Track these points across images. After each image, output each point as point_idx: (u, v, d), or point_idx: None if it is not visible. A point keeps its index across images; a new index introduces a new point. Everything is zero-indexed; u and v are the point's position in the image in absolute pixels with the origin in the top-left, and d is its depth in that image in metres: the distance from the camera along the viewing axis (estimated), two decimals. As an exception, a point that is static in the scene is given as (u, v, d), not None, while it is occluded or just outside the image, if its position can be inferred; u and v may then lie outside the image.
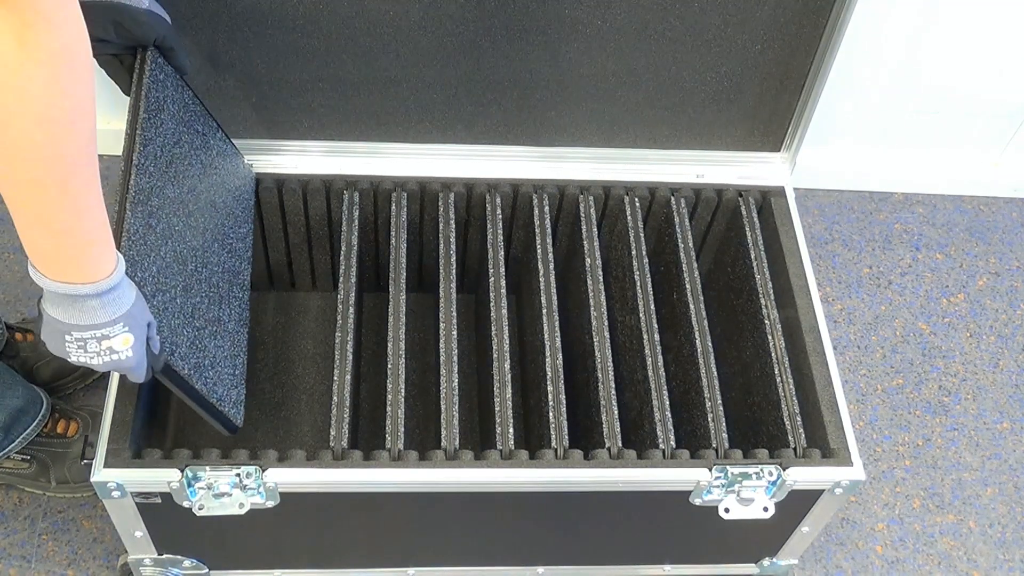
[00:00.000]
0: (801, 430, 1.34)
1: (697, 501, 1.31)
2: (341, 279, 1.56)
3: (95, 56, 1.04)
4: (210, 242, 1.28)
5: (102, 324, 0.96)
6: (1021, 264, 2.01)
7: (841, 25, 1.36)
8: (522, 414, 1.59)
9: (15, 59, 0.71)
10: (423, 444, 1.42)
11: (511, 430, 1.31)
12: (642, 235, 1.51)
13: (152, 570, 1.41)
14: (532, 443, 1.45)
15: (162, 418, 1.43)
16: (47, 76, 0.73)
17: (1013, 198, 2.10)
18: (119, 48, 1.16)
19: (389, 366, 1.35)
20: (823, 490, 1.32)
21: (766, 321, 1.44)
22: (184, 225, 1.22)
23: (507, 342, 1.39)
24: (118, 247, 1.02)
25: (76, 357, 0.99)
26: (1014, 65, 1.84)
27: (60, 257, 0.89)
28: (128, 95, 1.16)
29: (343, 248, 1.46)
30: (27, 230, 0.87)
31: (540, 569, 1.50)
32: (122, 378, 1.27)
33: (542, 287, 1.44)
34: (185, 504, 1.24)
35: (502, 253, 1.47)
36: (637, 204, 1.53)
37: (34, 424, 1.50)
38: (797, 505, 1.35)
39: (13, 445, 1.48)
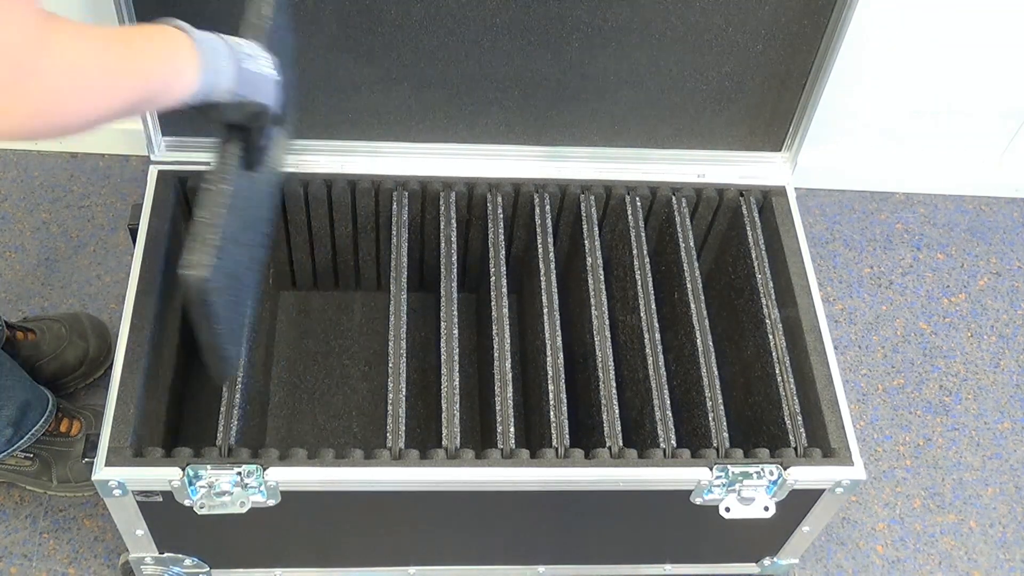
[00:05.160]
0: (802, 429, 1.34)
1: (698, 500, 1.31)
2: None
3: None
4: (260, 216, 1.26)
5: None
6: (1022, 264, 2.01)
7: (842, 25, 1.37)
8: (523, 413, 1.59)
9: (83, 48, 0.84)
10: (424, 443, 1.42)
11: (512, 429, 1.32)
12: (643, 234, 1.51)
13: (153, 568, 1.41)
14: (533, 442, 1.45)
15: (163, 417, 1.43)
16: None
17: (1014, 198, 2.10)
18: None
19: (390, 365, 1.35)
20: (824, 489, 1.32)
21: (767, 320, 1.44)
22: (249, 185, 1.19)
23: (508, 341, 1.39)
24: None
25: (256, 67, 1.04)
26: (1015, 65, 1.84)
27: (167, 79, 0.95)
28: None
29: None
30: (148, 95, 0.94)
31: (541, 568, 1.50)
32: (123, 378, 1.28)
33: (543, 286, 1.44)
34: (186, 503, 1.24)
35: (503, 252, 1.47)
36: (638, 203, 1.53)
37: (42, 420, 1.50)
38: (798, 504, 1.35)
39: (23, 441, 1.48)
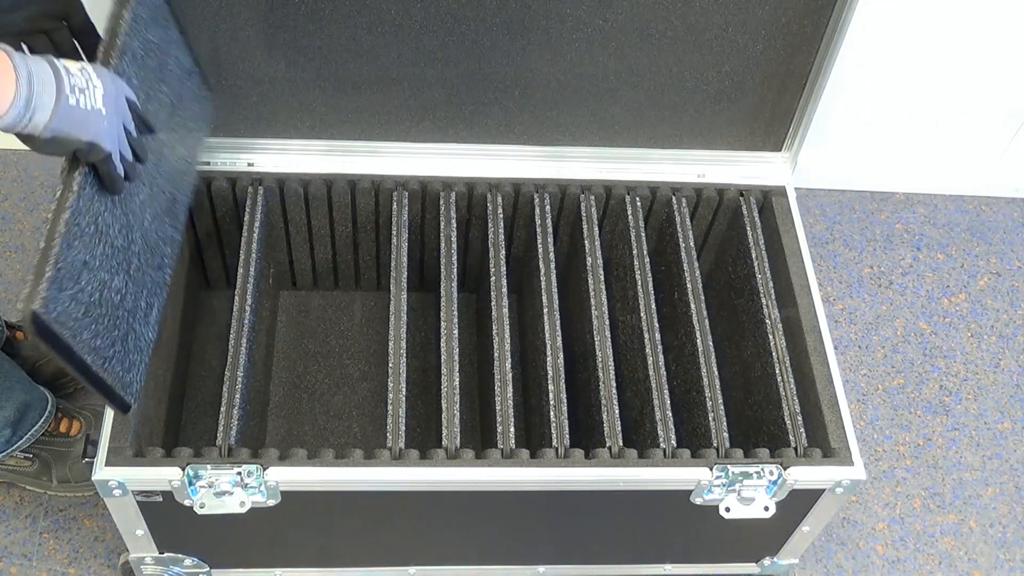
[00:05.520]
0: (802, 429, 1.34)
1: (698, 500, 1.31)
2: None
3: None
4: (157, 197, 1.19)
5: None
6: (1022, 264, 2.01)
7: (842, 25, 1.37)
8: (523, 413, 1.59)
9: None
10: (424, 443, 1.42)
11: (512, 429, 1.32)
12: (643, 234, 1.51)
13: (153, 568, 1.41)
14: (533, 442, 1.45)
15: (164, 417, 1.43)
16: None
17: (1014, 198, 2.10)
18: (28, 21, 1.07)
19: (390, 365, 1.35)
20: (824, 489, 1.32)
21: (767, 320, 1.44)
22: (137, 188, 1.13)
23: (508, 341, 1.39)
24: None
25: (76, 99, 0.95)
26: (1015, 65, 1.84)
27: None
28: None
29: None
30: None
31: (541, 568, 1.50)
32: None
33: (543, 286, 1.44)
34: (186, 502, 1.24)
35: (503, 252, 1.47)
36: (638, 203, 1.53)
37: (41, 421, 1.50)
38: (798, 504, 1.35)
39: (21, 442, 1.48)
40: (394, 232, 1.48)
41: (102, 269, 1.04)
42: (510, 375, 1.37)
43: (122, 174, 1.03)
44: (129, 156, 1.04)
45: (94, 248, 1.02)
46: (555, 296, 1.43)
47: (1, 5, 1.02)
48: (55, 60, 0.93)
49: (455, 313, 1.41)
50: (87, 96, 0.95)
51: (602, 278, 1.46)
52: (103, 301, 1.04)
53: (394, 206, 1.50)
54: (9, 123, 0.89)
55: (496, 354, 1.38)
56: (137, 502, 1.26)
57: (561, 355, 1.39)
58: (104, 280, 1.04)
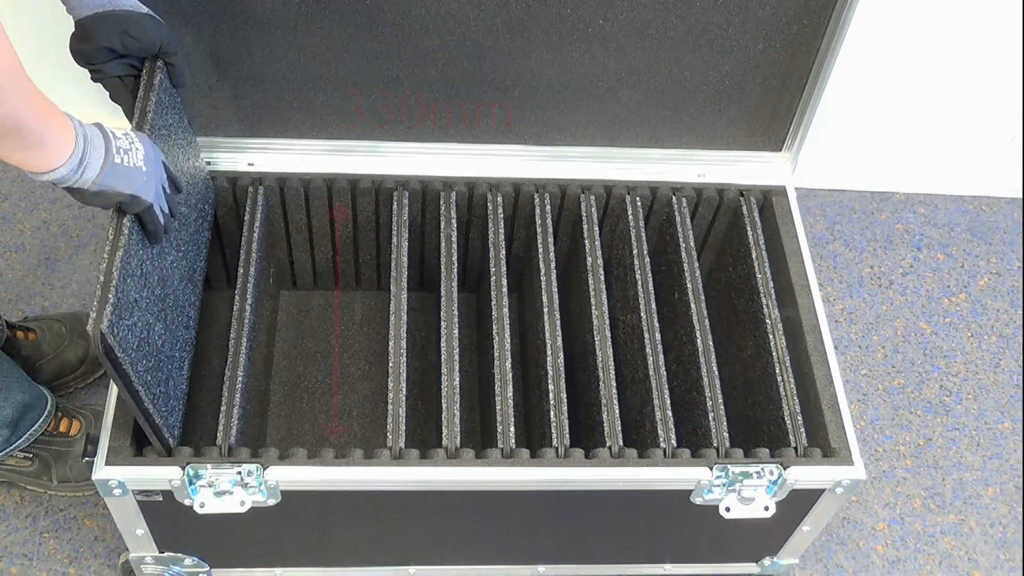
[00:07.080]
0: (802, 429, 1.34)
1: (698, 500, 1.31)
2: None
3: (101, 80, 1.21)
4: (180, 263, 1.30)
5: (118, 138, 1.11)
6: (1022, 264, 2.01)
7: (842, 25, 1.37)
8: (523, 413, 1.59)
9: None
10: (424, 443, 1.42)
11: (512, 429, 1.32)
12: (643, 234, 1.51)
13: (153, 568, 1.41)
14: (533, 442, 1.46)
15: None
16: None
17: (1014, 198, 2.10)
18: (124, 67, 1.21)
19: (390, 364, 1.35)
20: (824, 489, 1.32)
21: (767, 320, 1.44)
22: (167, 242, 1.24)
23: (508, 341, 1.39)
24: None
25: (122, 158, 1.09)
26: (1016, 65, 1.84)
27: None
28: (130, 117, 1.20)
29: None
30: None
31: (541, 568, 1.50)
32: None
33: (543, 286, 1.44)
34: (186, 502, 1.24)
35: (503, 252, 1.47)
36: (639, 203, 1.53)
37: (40, 421, 1.50)
38: (798, 504, 1.35)
39: (20, 442, 1.48)
40: (394, 232, 1.48)
41: (147, 312, 1.16)
42: (510, 375, 1.37)
43: (163, 225, 1.17)
44: (167, 210, 1.18)
45: (140, 290, 1.14)
46: (555, 296, 1.43)
47: (99, 59, 1.18)
48: (105, 127, 1.09)
49: (455, 313, 1.41)
50: (130, 156, 1.10)
51: (602, 278, 1.46)
52: (150, 341, 1.16)
53: (394, 206, 1.50)
54: (62, 175, 1.03)
55: (496, 354, 1.38)
56: (137, 502, 1.26)
57: (561, 355, 1.39)
58: (149, 322, 1.16)
